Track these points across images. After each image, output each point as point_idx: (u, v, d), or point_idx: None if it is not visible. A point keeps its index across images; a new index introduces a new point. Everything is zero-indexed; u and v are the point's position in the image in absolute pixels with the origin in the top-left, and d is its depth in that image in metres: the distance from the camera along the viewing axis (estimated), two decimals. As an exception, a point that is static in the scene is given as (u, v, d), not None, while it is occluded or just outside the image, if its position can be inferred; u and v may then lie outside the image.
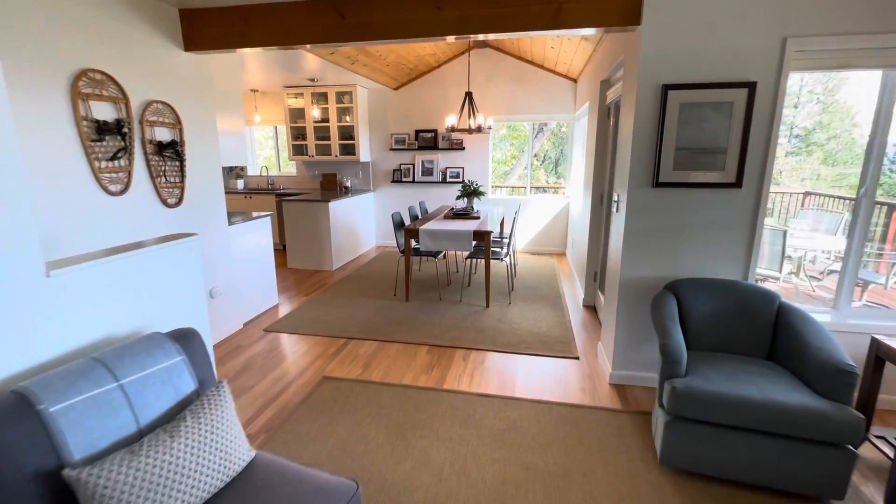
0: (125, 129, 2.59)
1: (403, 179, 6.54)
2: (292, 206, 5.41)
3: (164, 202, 2.91)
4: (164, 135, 2.88)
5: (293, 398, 2.65)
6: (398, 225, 4.50)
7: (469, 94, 4.89)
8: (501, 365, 3.06)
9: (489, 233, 3.98)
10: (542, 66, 5.84)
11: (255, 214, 4.00)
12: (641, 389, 2.73)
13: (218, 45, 2.97)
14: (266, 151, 7.86)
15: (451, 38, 2.71)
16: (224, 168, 6.99)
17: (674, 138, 2.42)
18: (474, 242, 4.06)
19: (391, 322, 3.79)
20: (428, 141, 6.36)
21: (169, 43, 2.91)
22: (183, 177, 3.05)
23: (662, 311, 2.24)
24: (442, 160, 6.42)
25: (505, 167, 8.20)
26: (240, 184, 6.88)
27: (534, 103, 6.00)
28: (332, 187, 6.61)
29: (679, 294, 2.37)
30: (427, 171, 6.45)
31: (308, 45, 2.88)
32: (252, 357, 3.20)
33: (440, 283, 4.92)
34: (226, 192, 6.79)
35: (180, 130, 3.00)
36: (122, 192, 2.62)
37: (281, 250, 6.49)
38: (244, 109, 6.72)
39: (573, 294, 4.56)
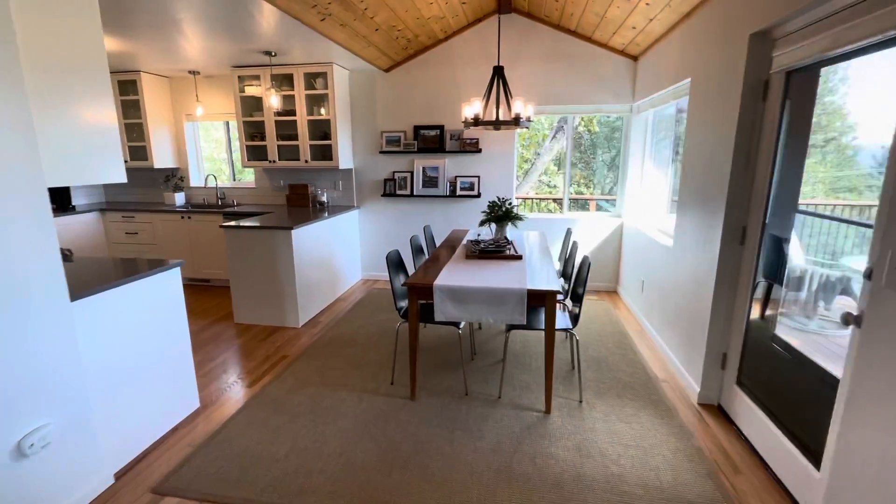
0: None
1: (398, 192, 4.89)
2: (238, 237, 3.71)
3: None
4: None
5: None
6: (395, 265, 2.85)
7: (499, 71, 3.28)
8: None
9: (554, 293, 2.36)
10: (589, 39, 4.26)
11: (148, 271, 2.31)
12: None
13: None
14: (222, 154, 6.12)
15: None
16: (163, 174, 5.26)
17: None
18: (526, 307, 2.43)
19: (389, 459, 2.14)
20: (431, 141, 4.73)
21: None
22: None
23: None
24: (451, 167, 4.79)
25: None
26: (178, 198, 5.14)
27: (577, 90, 4.41)
28: (302, 203, 4.92)
29: None
30: (430, 182, 4.81)
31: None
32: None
33: (458, 354, 3.28)
34: (157, 211, 4.78)
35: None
36: None
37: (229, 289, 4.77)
38: (182, 98, 4.99)
39: (667, 374, 2.97)
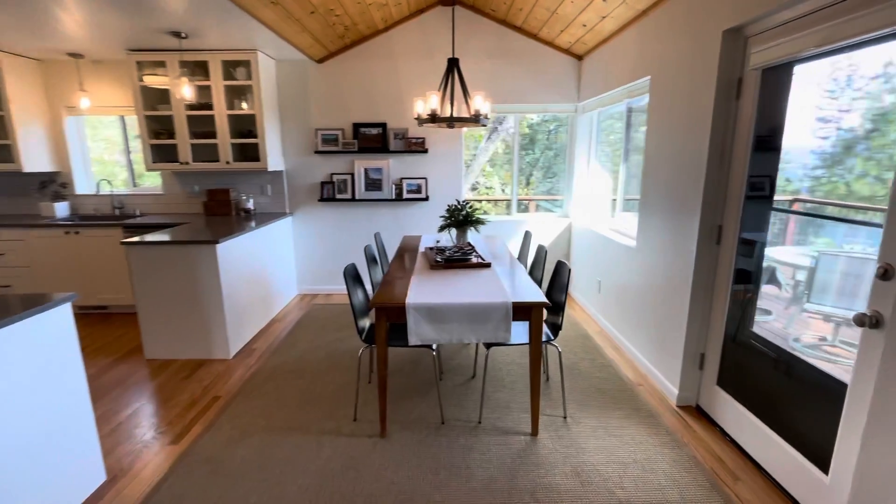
0: None
1: (338, 196, 4.43)
2: (146, 254, 3.05)
3: None
4: None
5: None
6: (354, 280, 2.46)
7: (455, 64, 3.02)
8: None
9: (541, 305, 2.15)
10: (535, 37, 4.17)
11: (23, 312, 1.70)
12: None
13: None
14: (115, 155, 5.14)
15: None
16: (37, 180, 4.27)
17: None
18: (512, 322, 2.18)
19: (370, 519, 1.77)
20: (373, 140, 4.34)
21: None
22: None
23: None
24: (395, 168, 4.44)
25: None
26: (60, 209, 4.20)
27: (523, 88, 4.30)
28: (223, 211, 4.26)
29: None
30: (373, 184, 4.42)
31: None
32: None
33: (424, 375, 2.96)
34: (31, 225, 3.82)
35: None
36: None
37: (135, 317, 4.00)
38: (60, 87, 4.10)
39: (640, 377, 2.92)
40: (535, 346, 2.20)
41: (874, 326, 1.48)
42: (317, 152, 4.32)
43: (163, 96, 3.98)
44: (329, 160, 4.40)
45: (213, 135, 3.95)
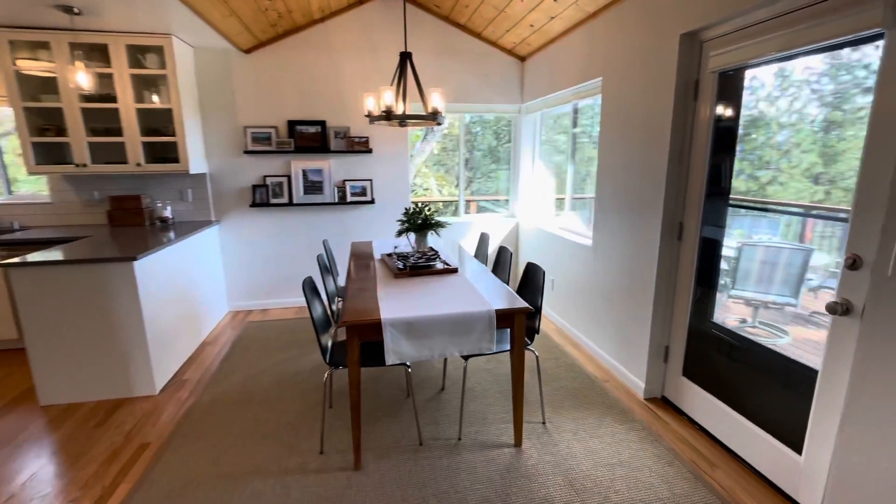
0: None
1: (273, 201, 4.02)
2: (37, 278, 2.47)
3: None
4: None
5: None
6: (312, 291, 2.18)
7: (407, 58, 2.85)
8: None
9: (524, 311, 2.06)
10: (478, 36, 4.11)
11: None
12: None
13: None
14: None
15: None
16: None
17: None
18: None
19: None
20: (311, 139, 4.00)
21: None
22: None
23: None
24: (337, 169, 4.13)
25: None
26: None
27: (468, 88, 4.23)
28: (133, 220, 3.66)
29: None
30: (313, 187, 4.08)
31: None
32: None
33: (391, 393, 2.75)
34: None
35: None
36: None
37: (22, 354, 3.29)
38: None
39: (604, 373, 2.96)
40: (519, 353, 2.10)
41: (844, 314, 1.58)
42: (247, 152, 3.87)
43: (49, 85, 3.30)
44: (261, 161, 3.98)
45: (117, 132, 3.36)
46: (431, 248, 2.97)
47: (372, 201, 4.18)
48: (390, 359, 1.92)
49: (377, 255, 3.12)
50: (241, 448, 2.20)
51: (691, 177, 2.31)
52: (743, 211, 2.16)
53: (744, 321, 2.23)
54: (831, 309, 1.60)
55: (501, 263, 2.96)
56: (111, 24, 3.03)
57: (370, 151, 4.07)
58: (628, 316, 2.75)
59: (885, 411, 1.41)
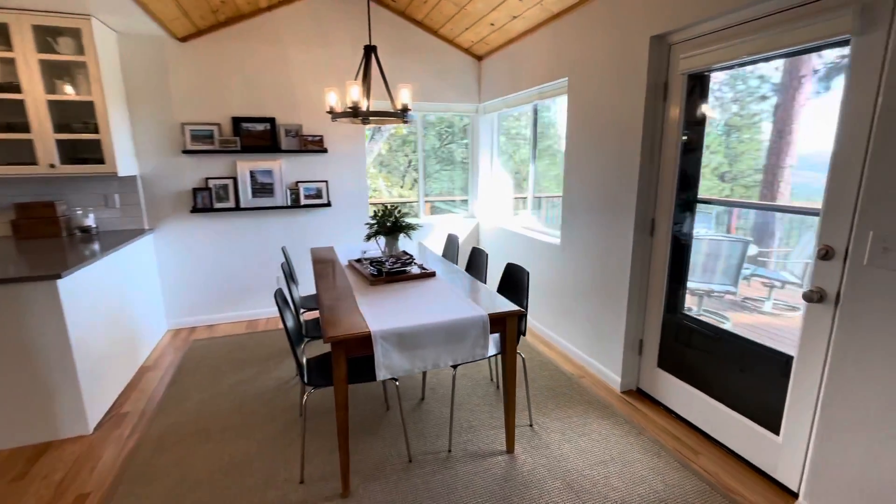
0: None
1: (217, 205, 3.65)
2: (-71, 303, 2.01)
3: None
4: None
5: None
6: (284, 303, 1.97)
7: (372, 52, 2.69)
8: None
9: (516, 314, 2.00)
10: (435, 33, 4.03)
11: None
12: None
13: None
14: None
15: None
16: None
17: None
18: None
19: None
20: (259, 137, 3.69)
21: None
22: None
23: None
24: (289, 170, 3.85)
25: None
26: None
27: (426, 86, 4.13)
28: (47, 231, 3.14)
29: None
30: (263, 190, 3.76)
31: None
32: None
33: (372, 406, 2.58)
34: None
35: None
36: None
37: None
38: None
39: (578, 369, 3.00)
40: (511, 357, 2.05)
41: (819, 301, 1.70)
42: (186, 152, 3.48)
43: (-74, 70, 2.73)
44: (203, 162, 3.59)
45: (23, 127, 2.86)
46: (405, 252, 2.84)
47: (328, 204, 3.94)
48: (381, 374, 1.78)
49: (343, 262, 2.92)
50: (206, 488, 1.93)
51: (662, 175, 2.39)
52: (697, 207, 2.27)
53: (689, 308, 2.36)
54: (808, 297, 1.71)
55: (477, 265, 2.89)
56: (13, 1, 2.56)
57: (325, 151, 3.84)
58: (602, 311, 2.80)
59: (862, 389, 1.52)
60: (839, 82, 1.65)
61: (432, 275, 2.54)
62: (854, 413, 1.55)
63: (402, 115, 2.63)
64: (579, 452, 2.15)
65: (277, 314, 4.05)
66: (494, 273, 4.32)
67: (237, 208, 3.68)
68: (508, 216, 4.34)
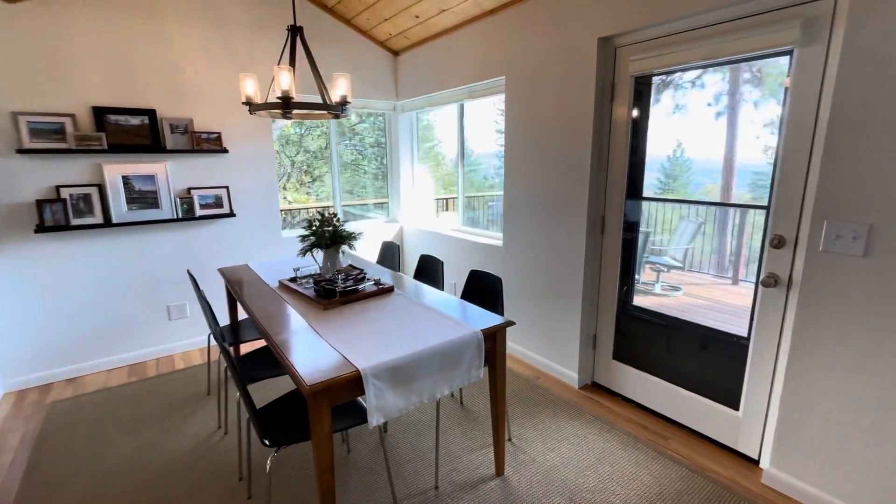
0: None
1: (75, 222, 2.80)
2: None
3: None
4: None
5: None
6: (220, 336, 1.56)
7: (297, 32, 2.30)
8: None
9: (504, 327, 1.84)
10: (348, 22, 3.66)
11: None
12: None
13: None
14: None
15: None
16: None
17: None
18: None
19: None
20: (135, 133, 2.93)
21: None
22: None
23: None
24: (178, 174, 3.14)
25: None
26: None
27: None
28: None
29: None
30: (143, 200, 3.00)
31: None
32: None
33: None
34: None
35: None
36: None
37: None
38: None
39: (534, 371, 2.98)
40: (501, 373, 1.89)
41: (773, 286, 1.87)
42: (21, 151, 2.58)
43: None
44: (51, 164, 2.72)
45: None
46: (352, 266, 2.48)
47: (231, 213, 3.32)
48: (375, 419, 1.47)
49: (271, 283, 2.45)
50: None
51: (611, 174, 2.47)
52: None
53: (652, 284, 2.52)
54: (765, 283, 1.88)
55: (430, 275, 2.67)
56: None
57: (225, 151, 3.21)
58: (554, 311, 2.81)
59: (822, 362, 1.71)
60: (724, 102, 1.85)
61: (390, 290, 2.26)
62: (814, 384, 1.74)
63: (340, 108, 2.28)
64: (566, 460, 2.09)
65: (172, 353, 3.28)
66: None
67: (107, 224, 2.87)
68: (439, 219, 4.19)
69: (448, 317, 1.88)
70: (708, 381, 2.20)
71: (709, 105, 2.10)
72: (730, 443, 2.14)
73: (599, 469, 2.03)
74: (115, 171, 2.89)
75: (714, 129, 2.10)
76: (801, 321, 1.75)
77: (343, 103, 2.30)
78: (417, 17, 3.25)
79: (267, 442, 1.54)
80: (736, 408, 2.10)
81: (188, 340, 3.32)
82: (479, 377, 1.75)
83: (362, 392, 1.45)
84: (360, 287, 2.20)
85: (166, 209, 3.08)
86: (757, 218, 2.00)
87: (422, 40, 3.60)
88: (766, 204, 1.91)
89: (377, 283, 2.29)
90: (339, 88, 2.28)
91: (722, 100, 2.07)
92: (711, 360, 2.19)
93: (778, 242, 1.84)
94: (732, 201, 2.11)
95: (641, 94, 2.30)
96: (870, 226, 1.54)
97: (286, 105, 2.11)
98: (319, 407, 1.39)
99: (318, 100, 3.46)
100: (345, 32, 3.69)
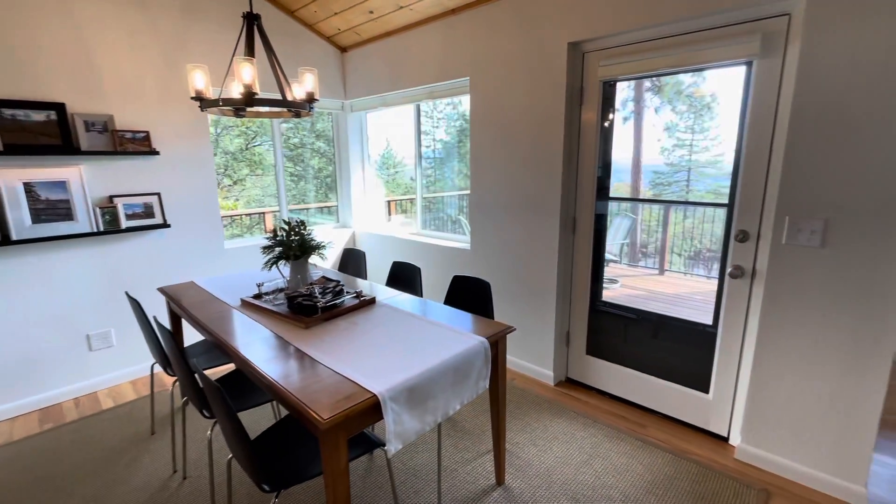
0: None
1: (-39, 241, 2.27)
2: None
3: None
4: None
5: None
6: (198, 371, 1.30)
7: (253, 20, 2.07)
8: None
9: (504, 334, 1.80)
10: (292, 14, 3.39)
11: None
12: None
13: None
14: None
15: None
16: None
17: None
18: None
19: None
20: (40, 132, 2.44)
21: None
22: None
23: None
24: (97, 180, 2.68)
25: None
26: None
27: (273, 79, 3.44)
28: None
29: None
30: (52, 211, 2.52)
31: None
32: None
33: (314, 481, 1.99)
34: None
35: None
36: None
37: None
38: None
39: (509, 374, 2.98)
40: (502, 381, 1.84)
41: (739, 277, 2.04)
42: None
43: None
44: (-79, 170, 2.16)
45: None
46: (326, 278, 2.28)
47: (165, 224, 2.91)
48: (394, 446, 1.34)
49: (230, 301, 2.18)
50: None
51: (581, 176, 2.54)
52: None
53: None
54: (733, 275, 2.04)
55: (407, 282, 2.55)
56: None
57: (155, 153, 2.81)
58: (527, 311, 2.84)
59: (785, 345, 1.89)
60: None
61: (372, 301, 2.11)
62: (778, 364, 1.92)
63: (308, 106, 2.09)
64: (560, 460, 2.11)
65: (95, 389, 2.80)
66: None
67: (5, 242, 2.36)
68: (391, 223, 4.04)
69: (447, 327, 1.79)
70: (678, 369, 2.35)
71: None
72: (701, 423, 2.30)
73: (593, 465, 2.07)
74: (14, 176, 2.39)
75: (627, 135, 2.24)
76: (768, 307, 1.92)
77: (310, 100, 2.11)
78: (371, 12, 3.10)
79: (266, 487, 1.34)
80: (706, 391, 2.26)
81: (115, 373, 2.86)
82: (485, 388, 1.69)
83: (378, 418, 1.32)
84: (340, 301, 2.03)
85: (83, 221, 2.61)
86: (711, 213, 2.17)
87: (375, 37, 3.44)
88: (726, 202, 2.08)
89: (358, 294, 2.13)
90: (305, 84, 2.08)
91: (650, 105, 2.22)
92: (680, 349, 2.34)
93: (742, 237, 2.01)
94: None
95: (611, 97, 2.39)
96: (825, 220, 1.73)
97: (248, 101, 1.88)
98: (337, 442, 1.23)
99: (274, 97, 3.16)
100: (288, 25, 3.42)
